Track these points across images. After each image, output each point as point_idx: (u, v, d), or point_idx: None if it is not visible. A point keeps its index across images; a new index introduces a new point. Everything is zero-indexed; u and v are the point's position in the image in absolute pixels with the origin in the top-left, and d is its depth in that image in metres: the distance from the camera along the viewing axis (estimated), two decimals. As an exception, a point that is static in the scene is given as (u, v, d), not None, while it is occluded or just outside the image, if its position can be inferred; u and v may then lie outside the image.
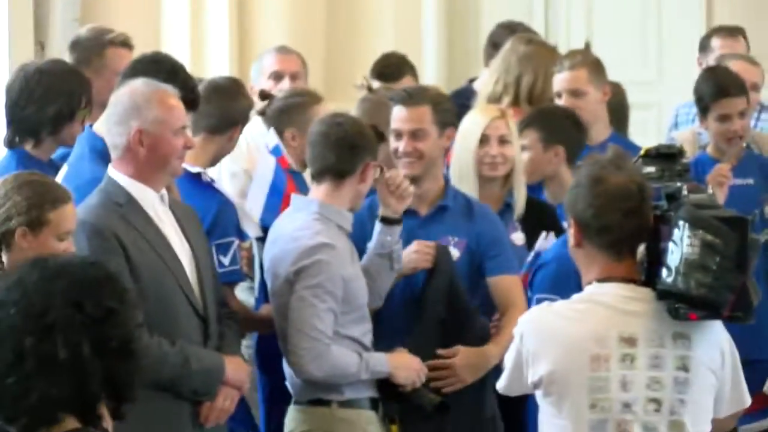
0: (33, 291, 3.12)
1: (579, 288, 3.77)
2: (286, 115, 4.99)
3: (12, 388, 3.17)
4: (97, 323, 3.10)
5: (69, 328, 3.17)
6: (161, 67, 4.38)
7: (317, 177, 4.32)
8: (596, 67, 5.66)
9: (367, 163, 4.31)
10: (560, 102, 5.57)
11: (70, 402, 3.15)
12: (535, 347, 3.71)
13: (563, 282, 4.11)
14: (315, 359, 4.28)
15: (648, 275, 3.69)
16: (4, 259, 3.88)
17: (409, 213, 4.47)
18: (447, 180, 4.68)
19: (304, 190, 4.70)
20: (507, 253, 4.64)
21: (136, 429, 3.31)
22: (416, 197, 4.51)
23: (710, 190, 4.39)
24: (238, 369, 4.35)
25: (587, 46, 6.55)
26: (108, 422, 3.15)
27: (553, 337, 3.72)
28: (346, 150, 4.29)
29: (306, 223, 4.28)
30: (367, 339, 4.40)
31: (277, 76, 5.76)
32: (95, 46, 5.13)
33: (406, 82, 6.03)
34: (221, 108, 4.61)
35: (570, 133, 5.22)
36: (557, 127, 5.25)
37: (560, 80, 5.61)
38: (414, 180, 4.47)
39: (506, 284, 4.58)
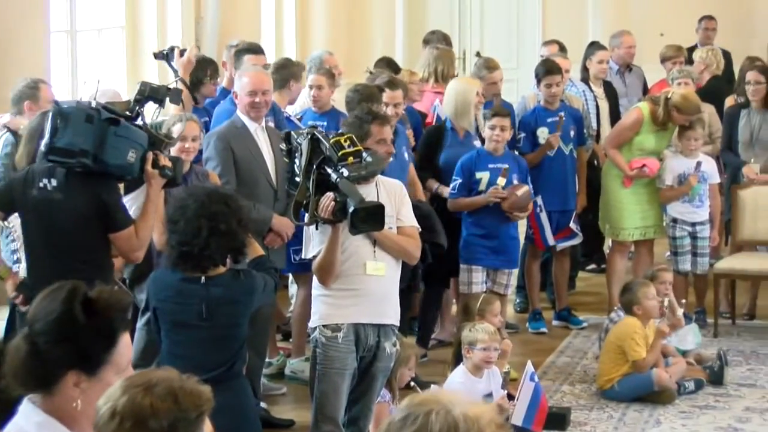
0: (203, 196, 4.26)
1: None
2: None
3: (196, 247, 4.24)
4: (236, 211, 4.26)
5: (224, 214, 4.26)
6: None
7: None
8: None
9: None
10: None
11: (226, 252, 4.27)
12: None
13: None
14: None
15: None
16: None
17: None
18: None
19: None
20: None
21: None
22: None
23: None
24: (283, 223, 6.05)
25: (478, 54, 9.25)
26: (229, 265, 4.30)
27: None
28: None
29: None
30: None
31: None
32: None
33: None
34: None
35: None
36: None
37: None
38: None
39: None
